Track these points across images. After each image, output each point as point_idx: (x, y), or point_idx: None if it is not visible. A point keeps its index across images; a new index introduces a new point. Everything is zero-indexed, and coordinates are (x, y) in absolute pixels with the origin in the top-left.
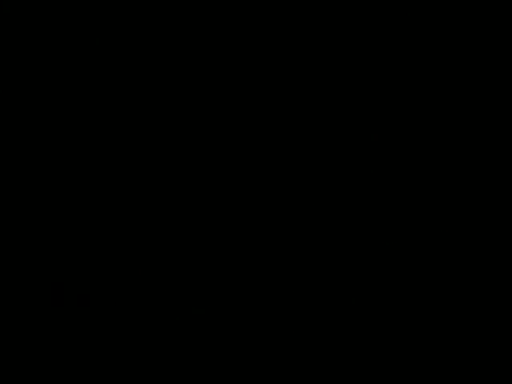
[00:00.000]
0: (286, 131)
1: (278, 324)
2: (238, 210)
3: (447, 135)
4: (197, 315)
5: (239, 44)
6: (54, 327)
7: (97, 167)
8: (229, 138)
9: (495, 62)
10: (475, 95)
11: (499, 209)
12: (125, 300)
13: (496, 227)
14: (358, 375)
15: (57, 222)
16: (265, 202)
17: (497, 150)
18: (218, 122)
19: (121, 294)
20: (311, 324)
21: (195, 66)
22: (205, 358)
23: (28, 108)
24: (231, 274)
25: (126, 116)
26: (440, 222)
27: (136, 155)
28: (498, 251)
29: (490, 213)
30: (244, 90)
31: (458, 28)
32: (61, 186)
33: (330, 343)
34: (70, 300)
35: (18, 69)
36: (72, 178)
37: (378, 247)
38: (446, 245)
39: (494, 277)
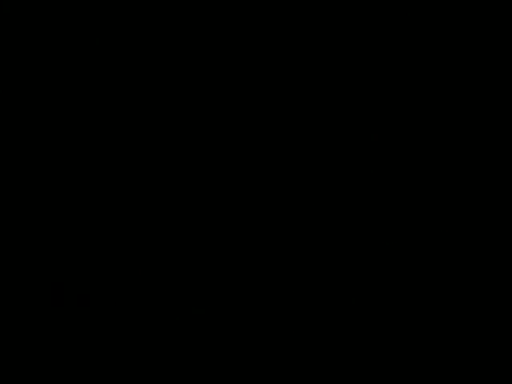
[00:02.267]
0: (286, 131)
1: (278, 324)
2: (237, 209)
3: (447, 135)
4: (197, 315)
5: (239, 44)
6: (54, 327)
7: (96, 167)
8: (229, 138)
9: (495, 62)
10: (475, 95)
11: (499, 209)
12: (125, 300)
13: (496, 227)
14: (358, 375)
15: (57, 221)
16: (265, 201)
17: (497, 150)
18: (217, 122)
19: (121, 294)
20: (311, 324)
21: (195, 66)
22: (205, 358)
23: (28, 108)
24: (231, 273)
25: (126, 116)
26: (440, 221)
27: (136, 155)
28: (498, 251)
29: (490, 213)
30: (244, 90)
31: (457, 28)
32: (61, 185)
33: (330, 343)
34: (70, 300)
35: (18, 69)
36: (72, 177)
37: (378, 247)
38: (446, 245)
39: (494, 277)
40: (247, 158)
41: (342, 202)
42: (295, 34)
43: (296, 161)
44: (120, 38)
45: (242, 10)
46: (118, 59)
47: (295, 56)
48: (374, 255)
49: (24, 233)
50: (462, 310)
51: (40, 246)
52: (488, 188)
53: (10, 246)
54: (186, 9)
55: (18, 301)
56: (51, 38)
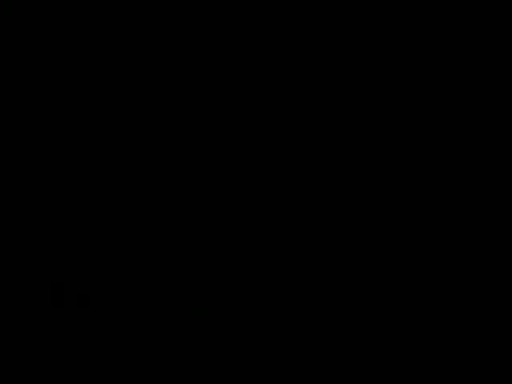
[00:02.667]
0: (285, 131)
1: (277, 324)
2: (237, 209)
3: (447, 135)
4: (197, 315)
5: (239, 44)
6: (54, 327)
7: (96, 167)
8: (229, 139)
9: (495, 62)
10: (475, 95)
11: (499, 209)
12: (125, 300)
13: (496, 227)
14: (358, 375)
15: (57, 221)
16: (265, 202)
17: (497, 150)
18: (217, 122)
19: (121, 294)
20: (311, 324)
21: (195, 66)
22: (205, 357)
23: (28, 108)
24: (231, 273)
25: (126, 116)
26: (440, 221)
27: (136, 155)
28: (498, 251)
29: (489, 213)
30: (244, 91)
31: (457, 28)
32: (61, 186)
33: (330, 343)
34: (70, 300)
35: (18, 69)
36: (72, 177)
37: (378, 247)
38: (446, 245)
39: (494, 277)
40: (247, 158)
41: (342, 201)
42: (295, 34)
43: (296, 161)
44: (120, 38)
45: (242, 10)
46: (118, 59)
47: (295, 56)
48: (374, 255)
49: (24, 233)
50: (461, 309)
51: (40, 246)
52: (488, 188)
53: (10, 246)
54: (185, 9)
55: (18, 301)
56: (51, 37)
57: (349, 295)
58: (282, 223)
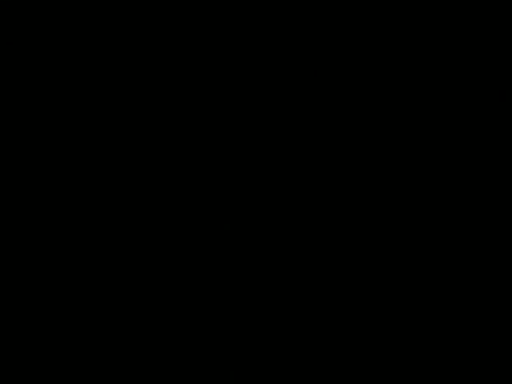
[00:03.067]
0: (285, 132)
1: (277, 324)
2: (237, 209)
3: (447, 135)
4: (197, 315)
5: (239, 44)
6: (54, 327)
7: (96, 167)
8: (229, 139)
9: (495, 62)
10: (475, 95)
11: (499, 209)
12: (125, 300)
13: (496, 227)
14: (358, 375)
15: (57, 221)
16: (265, 202)
17: (497, 150)
18: (217, 123)
19: (121, 294)
20: (311, 324)
21: (195, 66)
22: (205, 357)
23: (28, 108)
24: (231, 274)
25: (126, 116)
26: (440, 222)
27: (136, 155)
28: (498, 251)
29: (489, 213)
30: (244, 91)
31: (458, 28)
32: (61, 186)
33: (330, 343)
34: (70, 300)
35: (18, 69)
36: (72, 177)
37: (378, 247)
38: (446, 245)
39: (494, 277)
40: (247, 159)
41: (342, 201)
42: (295, 34)
43: (296, 161)
44: (120, 38)
45: (242, 11)
46: (118, 59)
47: (295, 57)
48: (374, 255)
49: (24, 233)
50: (461, 310)
51: (40, 245)
52: (488, 188)
53: (10, 246)
54: (185, 9)
55: (18, 301)
56: (51, 37)
57: (348, 295)
58: (282, 223)
